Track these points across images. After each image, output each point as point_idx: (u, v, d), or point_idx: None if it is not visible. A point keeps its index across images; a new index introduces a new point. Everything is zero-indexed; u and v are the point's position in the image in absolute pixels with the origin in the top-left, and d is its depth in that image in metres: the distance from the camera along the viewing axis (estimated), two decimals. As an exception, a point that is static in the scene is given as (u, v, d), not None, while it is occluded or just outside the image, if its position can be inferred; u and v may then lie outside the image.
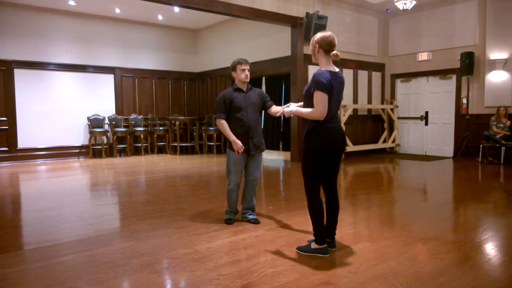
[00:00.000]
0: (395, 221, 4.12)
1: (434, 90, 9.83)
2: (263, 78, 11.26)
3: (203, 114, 12.04)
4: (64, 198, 5.38)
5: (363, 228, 3.82)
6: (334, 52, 2.91)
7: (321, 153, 2.91)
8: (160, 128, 11.11)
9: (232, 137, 3.75)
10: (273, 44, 9.79)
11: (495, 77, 8.53)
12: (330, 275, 2.68)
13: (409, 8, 7.92)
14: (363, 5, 9.70)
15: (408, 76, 10.26)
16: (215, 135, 10.87)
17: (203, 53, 12.27)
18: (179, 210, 4.50)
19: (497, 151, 8.12)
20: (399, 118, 10.46)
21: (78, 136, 10.28)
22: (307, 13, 8.60)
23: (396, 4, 8.02)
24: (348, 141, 9.23)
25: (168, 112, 11.89)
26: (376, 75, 10.53)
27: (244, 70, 3.80)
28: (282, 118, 10.90)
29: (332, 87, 2.84)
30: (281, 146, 11.46)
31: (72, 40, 10.04)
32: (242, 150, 3.74)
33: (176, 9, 9.64)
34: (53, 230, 3.83)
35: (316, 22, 8.36)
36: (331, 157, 2.98)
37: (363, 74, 10.21)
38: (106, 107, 10.65)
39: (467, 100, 8.90)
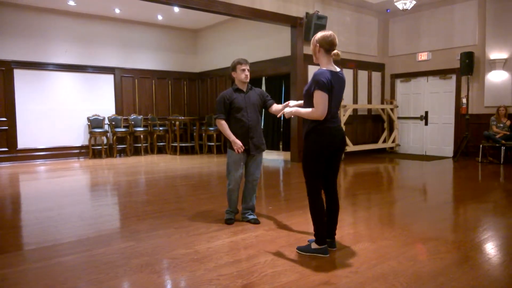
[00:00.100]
0: (395, 221, 4.12)
1: (434, 90, 9.83)
2: (263, 78, 11.26)
3: (203, 114, 12.04)
4: (64, 199, 5.38)
5: (363, 228, 3.82)
6: (335, 51, 2.90)
7: (321, 153, 2.91)
8: (160, 128, 11.11)
9: (232, 137, 3.76)
10: (273, 44, 9.79)
11: (495, 77, 8.53)
12: (330, 275, 2.68)
13: (409, 8, 7.92)
14: (363, 5, 9.70)
15: (408, 76, 10.26)
16: (215, 135, 10.87)
17: (203, 53, 12.27)
18: (179, 210, 4.50)
19: (497, 151, 8.12)
20: (399, 118, 10.46)
21: (78, 137, 10.27)
22: (307, 13, 8.60)
23: (396, 4, 8.02)
24: (348, 141, 9.23)
25: (168, 112, 11.89)
26: (376, 75, 10.53)
27: (244, 70, 3.80)
28: (282, 118, 10.90)
29: (332, 86, 2.83)
30: (281, 146, 11.46)
31: (71, 40, 10.04)
32: (242, 150, 3.75)
33: (176, 9, 9.64)
34: (53, 231, 3.82)
35: (316, 22, 8.36)
36: (331, 157, 2.98)
37: (363, 74, 10.21)
38: (106, 107, 10.65)
39: (467, 100, 8.90)
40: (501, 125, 8.11)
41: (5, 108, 9.19)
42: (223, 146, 10.94)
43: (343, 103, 8.99)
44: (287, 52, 8.98)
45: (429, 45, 9.65)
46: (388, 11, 10.13)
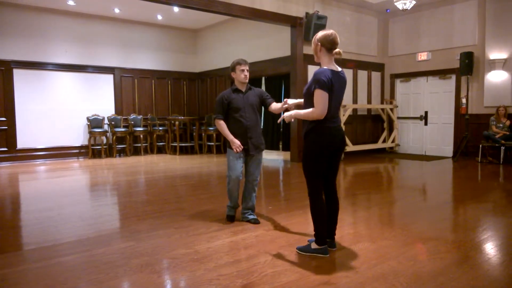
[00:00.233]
0: (395, 221, 4.12)
1: (434, 90, 9.83)
2: (263, 78, 11.26)
3: (203, 114, 12.04)
4: (63, 199, 5.38)
5: (363, 228, 3.82)
6: (337, 50, 2.90)
7: (320, 153, 2.91)
8: (160, 128, 11.11)
9: (230, 136, 3.79)
10: (273, 44, 9.79)
11: (495, 77, 8.54)
12: (330, 275, 2.68)
13: (408, 8, 7.92)
14: (362, 5, 9.71)
15: (408, 76, 10.27)
16: (214, 135, 10.87)
17: (202, 53, 12.27)
18: (179, 210, 4.50)
19: (497, 151, 8.12)
20: (398, 118, 10.46)
21: (78, 136, 10.27)
22: (307, 13, 8.60)
23: (395, 4, 8.02)
24: (347, 141, 9.22)
25: (167, 112, 11.89)
26: (375, 75, 10.53)
27: (243, 70, 3.81)
28: (282, 124, 10.90)
29: (333, 85, 2.82)
30: (281, 146, 11.46)
31: (71, 40, 10.04)
32: (241, 150, 3.77)
33: (176, 9, 9.64)
34: (53, 231, 3.82)
35: (315, 22, 8.36)
36: (331, 157, 2.98)
37: (362, 74, 10.21)
38: (105, 107, 10.65)
39: (467, 100, 8.90)
40: (501, 125, 8.11)
41: (5, 108, 9.18)
42: (223, 146, 10.94)
43: (343, 103, 8.99)
44: (287, 52, 8.98)
45: (429, 45, 9.65)
46: (388, 11, 10.14)
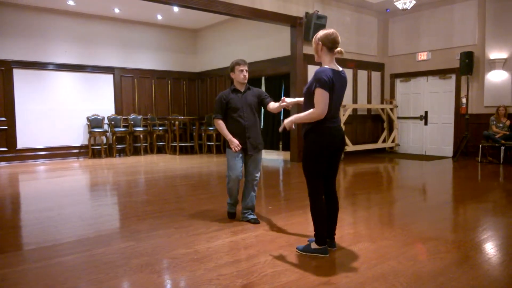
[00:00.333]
0: (395, 221, 4.12)
1: (434, 90, 9.83)
2: (263, 78, 11.25)
3: (203, 114, 12.04)
4: (63, 199, 5.38)
5: (363, 228, 3.82)
6: (338, 49, 2.89)
7: (320, 153, 2.90)
8: (160, 128, 11.11)
9: (229, 136, 3.83)
10: (273, 44, 9.79)
11: (495, 77, 8.54)
12: (330, 275, 2.68)
13: (408, 8, 7.92)
14: (362, 5, 9.71)
15: (408, 76, 10.26)
16: (214, 135, 10.86)
17: (202, 53, 12.27)
18: (179, 210, 4.50)
19: (497, 150, 8.12)
20: (398, 118, 10.46)
21: (78, 136, 10.27)
22: (307, 13, 8.60)
23: (395, 4, 8.02)
24: (347, 141, 9.23)
25: (167, 112, 11.88)
26: (375, 75, 10.53)
27: (242, 71, 3.83)
28: (282, 118, 10.90)
29: (333, 85, 2.81)
30: (280, 146, 11.46)
31: (71, 40, 10.04)
32: (239, 149, 3.79)
33: (176, 9, 9.64)
34: (53, 231, 3.82)
35: (315, 22, 8.36)
36: (331, 157, 2.97)
37: (362, 74, 10.21)
38: (105, 107, 10.65)
39: (467, 100, 8.90)
40: (501, 125, 8.11)
41: (5, 107, 9.18)
42: (223, 146, 10.93)
43: (342, 102, 8.99)
44: (287, 52, 8.98)
45: (428, 45, 9.65)
46: (388, 11, 10.13)
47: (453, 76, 9.33)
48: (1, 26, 9.04)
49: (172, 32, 11.88)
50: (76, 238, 3.55)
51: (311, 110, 2.83)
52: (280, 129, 3.16)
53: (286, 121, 3.02)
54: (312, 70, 8.78)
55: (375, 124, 10.63)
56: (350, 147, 9.29)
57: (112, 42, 10.72)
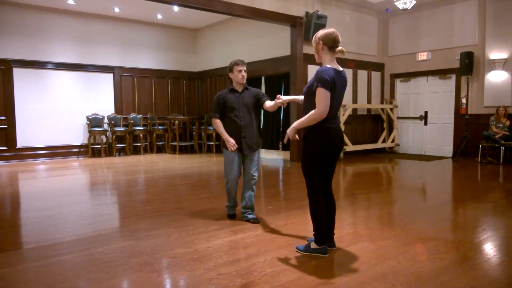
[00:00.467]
0: (394, 221, 4.12)
1: (434, 90, 9.83)
2: (263, 78, 11.24)
3: (203, 113, 12.03)
4: (63, 198, 5.38)
5: (363, 228, 3.82)
6: (340, 48, 2.88)
7: (320, 153, 2.89)
8: (160, 128, 11.11)
9: (225, 135, 3.86)
10: (273, 43, 9.79)
11: (495, 77, 8.54)
12: (329, 275, 2.68)
13: (409, 8, 7.92)
14: (362, 4, 9.70)
15: (408, 76, 10.26)
16: (214, 134, 10.86)
17: (202, 53, 12.26)
18: (179, 210, 4.50)
19: (497, 151, 8.12)
20: (398, 118, 10.46)
21: (77, 136, 10.27)
22: (307, 13, 8.60)
23: (396, 3, 8.02)
24: (347, 141, 9.24)
25: (167, 111, 11.88)
26: (375, 75, 10.53)
27: (241, 71, 3.86)
28: (281, 118, 10.91)
29: (335, 85, 2.80)
30: (280, 145, 11.46)
31: (71, 39, 10.03)
32: (235, 148, 3.82)
33: (176, 8, 9.64)
34: (53, 230, 3.82)
35: (315, 22, 8.36)
36: (330, 158, 2.97)
37: (362, 74, 10.21)
38: (105, 106, 10.64)
39: (467, 100, 8.90)
40: (501, 125, 8.11)
41: (5, 107, 9.18)
42: (223, 146, 10.92)
43: (342, 102, 8.98)
44: (287, 52, 8.98)
45: (428, 45, 9.65)
46: (388, 10, 10.13)
47: (453, 76, 9.33)
48: (1, 25, 9.04)
49: (172, 32, 11.87)
50: (76, 237, 3.55)
51: (312, 111, 2.80)
52: (285, 140, 3.14)
53: (289, 130, 2.99)
54: (312, 69, 8.78)
55: (375, 124, 10.62)
56: (350, 147, 9.29)
57: (112, 41, 10.71)
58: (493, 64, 8.51)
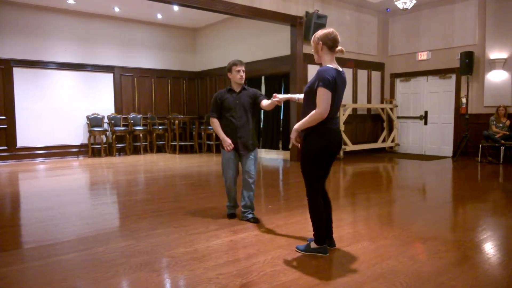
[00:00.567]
0: (394, 221, 4.12)
1: (434, 90, 9.83)
2: (263, 77, 11.24)
3: (202, 113, 12.03)
4: (63, 197, 5.38)
5: (363, 228, 3.82)
6: (339, 47, 2.88)
7: (320, 153, 2.89)
8: (160, 127, 11.11)
9: (221, 134, 3.92)
10: (273, 43, 9.78)
11: (495, 77, 8.54)
12: (329, 274, 2.68)
13: (409, 8, 7.91)
14: (362, 4, 9.70)
15: (408, 75, 10.26)
16: (214, 134, 10.84)
17: (202, 52, 12.26)
18: (179, 209, 4.50)
19: (497, 150, 8.12)
20: (398, 117, 10.46)
21: (77, 135, 10.27)
22: (307, 12, 8.60)
23: (396, 3, 8.02)
24: (347, 140, 9.24)
25: (167, 111, 11.88)
26: (375, 75, 10.53)
27: (239, 71, 3.88)
28: (281, 118, 10.90)
29: (336, 85, 2.80)
30: (280, 145, 11.45)
31: (71, 39, 10.03)
32: (231, 148, 3.86)
33: (176, 8, 9.63)
34: (53, 229, 3.82)
35: (315, 21, 8.36)
36: (328, 158, 2.97)
37: (362, 74, 10.21)
38: (105, 106, 10.64)
39: (467, 100, 8.90)
40: (501, 125, 8.11)
41: (5, 106, 9.18)
42: (220, 145, 10.92)
43: (342, 102, 8.98)
44: (287, 51, 8.97)
45: (429, 45, 9.65)
46: (388, 10, 10.13)
47: (453, 76, 9.32)
48: (1, 24, 9.03)
49: (172, 31, 11.87)
50: (76, 237, 3.55)
51: (313, 112, 2.79)
52: (290, 145, 3.16)
53: (292, 134, 2.99)
54: (312, 69, 8.78)
55: (375, 123, 10.62)
56: (349, 147, 9.29)
57: (112, 41, 10.71)
58: (493, 64, 8.51)
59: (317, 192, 2.96)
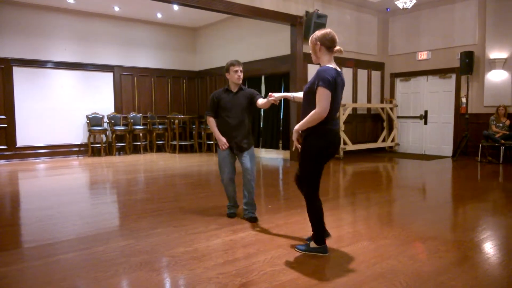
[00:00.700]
0: (394, 220, 4.12)
1: (434, 89, 9.83)
2: (263, 77, 11.24)
3: (202, 112, 12.02)
4: (63, 197, 5.37)
5: (363, 227, 3.82)
6: (338, 47, 2.88)
7: (320, 154, 2.89)
8: (159, 127, 11.10)
9: (217, 134, 3.99)
10: (273, 42, 9.78)
11: (495, 77, 8.53)
12: (329, 274, 2.68)
13: (409, 7, 7.91)
14: (363, 4, 9.70)
15: (408, 75, 10.26)
16: (214, 133, 10.83)
17: (202, 52, 12.26)
18: (178, 209, 4.50)
19: (496, 150, 8.12)
20: (398, 117, 10.46)
21: (77, 135, 10.26)
22: (307, 12, 8.59)
23: (396, 3, 8.02)
24: (347, 140, 9.24)
25: (167, 110, 11.88)
26: (375, 74, 10.53)
27: (237, 71, 3.91)
28: (281, 117, 10.90)
29: (336, 85, 2.80)
30: (280, 145, 11.45)
31: (71, 38, 10.02)
32: (226, 147, 3.92)
33: (176, 7, 9.62)
34: (52, 229, 3.82)
35: (315, 21, 8.36)
36: (327, 159, 2.98)
37: (362, 73, 10.21)
38: (105, 105, 10.64)
39: (467, 100, 8.90)
40: (501, 124, 8.11)
41: (4, 105, 9.17)
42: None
43: (342, 102, 8.99)
44: (287, 51, 8.97)
45: (429, 44, 9.65)
46: (388, 10, 10.13)
47: (453, 76, 9.32)
48: (1, 24, 9.03)
49: (172, 31, 11.87)
50: (76, 236, 3.55)
51: (312, 112, 2.79)
52: (293, 148, 3.18)
53: (293, 135, 3.01)
54: (312, 69, 8.78)
55: (375, 123, 10.62)
56: (350, 146, 9.28)
57: (111, 40, 10.70)
58: (493, 64, 8.51)
59: (315, 192, 2.96)
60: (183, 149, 11.36)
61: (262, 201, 4.94)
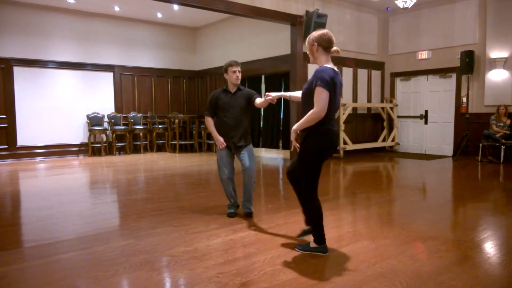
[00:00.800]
0: (394, 220, 4.12)
1: (434, 89, 9.82)
2: (263, 77, 11.23)
3: (202, 112, 12.01)
4: (63, 196, 5.38)
5: (363, 227, 3.82)
6: (335, 48, 2.89)
7: (320, 154, 2.89)
8: (160, 126, 11.11)
9: (214, 133, 4.03)
10: (273, 42, 9.77)
11: (495, 76, 8.53)
12: (329, 273, 2.68)
13: (409, 7, 7.90)
14: (363, 3, 9.69)
15: (408, 74, 10.25)
16: (214, 133, 10.83)
17: (202, 51, 12.25)
18: (178, 208, 4.50)
19: (497, 150, 8.12)
20: (398, 116, 10.46)
21: (78, 134, 10.27)
22: (307, 11, 8.59)
23: (396, 2, 8.01)
24: (347, 140, 9.24)
25: (167, 110, 11.88)
26: (375, 74, 10.52)
27: (235, 72, 3.95)
28: (281, 117, 10.90)
29: (335, 85, 2.80)
30: (280, 144, 11.45)
31: (71, 37, 10.02)
32: (223, 147, 3.97)
33: (176, 7, 9.62)
34: (53, 228, 3.82)
35: (316, 20, 8.35)
36: (325, 159, 2.98)
37: (362, 73, 10.20)
38: (105, 105, 10.64)
39: (467, 99, 8.89)
40: (501, 124, 8.11)
41: (5, 105, 9.18)
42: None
43: (342, 101, 9.00)
44: (287, 51, 8.97)
45: (429, 44, 9.64)
46: (388, 9, 10.12)
47: (454, 75, 9.32)
48: (1, 23, 9.03)
49: (172, 30, 11.86)
50: (76, 236, 3.55)
51: (310, 111, 2.79)
52: (291, 148, 3.20)
53: (291, 135, 3.00)
54: (312, 68, 8.77)
55: (375, 123, 10.62)
56: (350, 146, 9.28)
57: (112, 40, 10.70)
58: (494, 63, 8.50)
59: (314, 192, 2.96)
60: (183, 149, 11.36)
61: (262, 200, 4.94)
